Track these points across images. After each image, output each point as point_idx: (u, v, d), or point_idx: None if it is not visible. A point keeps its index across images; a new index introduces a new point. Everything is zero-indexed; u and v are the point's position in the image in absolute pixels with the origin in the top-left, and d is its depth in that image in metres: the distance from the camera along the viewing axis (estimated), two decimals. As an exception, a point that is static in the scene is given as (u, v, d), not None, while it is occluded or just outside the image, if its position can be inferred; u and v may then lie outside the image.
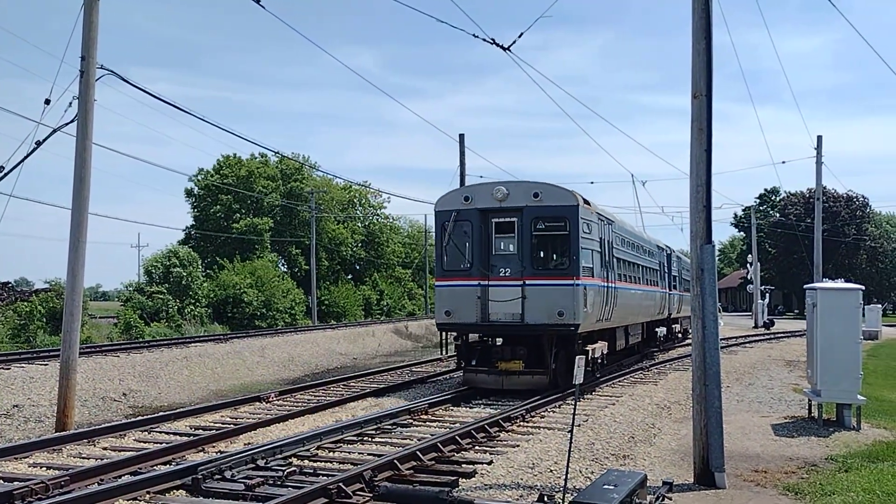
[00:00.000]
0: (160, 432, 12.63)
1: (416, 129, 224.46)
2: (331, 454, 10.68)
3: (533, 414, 13.90)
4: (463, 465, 9.98)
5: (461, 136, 34.76)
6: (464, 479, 9.23)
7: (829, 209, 67.97)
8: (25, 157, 14.84)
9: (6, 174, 14.78)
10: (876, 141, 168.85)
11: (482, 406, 15.31)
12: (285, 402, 16.04)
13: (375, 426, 12.43)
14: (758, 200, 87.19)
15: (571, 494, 7.77)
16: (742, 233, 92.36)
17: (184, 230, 62.12)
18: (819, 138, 38.96)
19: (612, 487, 7.16)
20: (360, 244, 71.57)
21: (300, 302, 53.87)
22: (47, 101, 14.70)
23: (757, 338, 37.73)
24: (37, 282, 75.46)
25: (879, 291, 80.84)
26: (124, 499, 8.22)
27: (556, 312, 15.73)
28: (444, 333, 17.86)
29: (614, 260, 19.23)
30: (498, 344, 17.17)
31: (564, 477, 8.38)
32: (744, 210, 76.88)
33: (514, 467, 9.75)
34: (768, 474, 9.97)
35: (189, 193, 62.58)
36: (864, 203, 79.40)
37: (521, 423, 13.03)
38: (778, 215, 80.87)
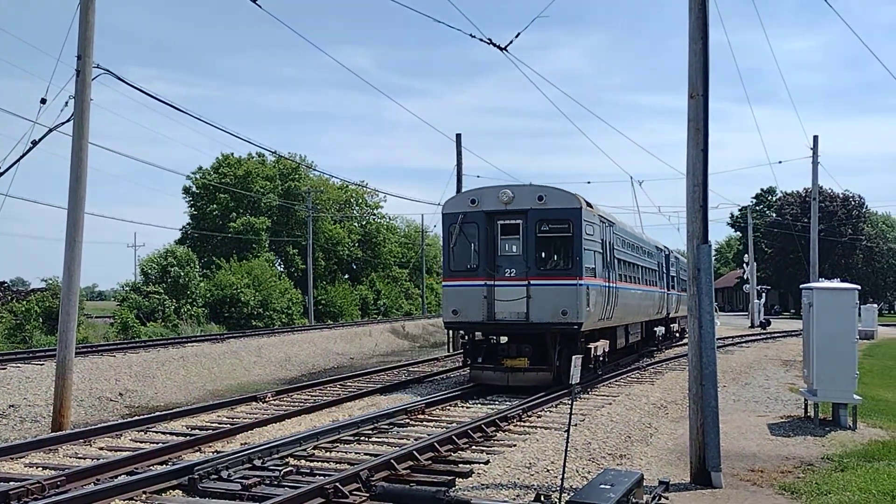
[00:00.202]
0: (156, 432, 12.61)
1: (413, 128, 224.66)
2: (327, 454, 10.68)
3: (530, 413, 13.90)
4: (460, 465, 9.97)
5: (458, 136, 34.78)
6: (461, 479, 9.23)
7: (825, 209, 68.14)
8: (21, 157, 14.82)
9: (2, 174, 14.75)
10: (872, 141, 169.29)
11: (479, 405, 15.33)
12: (282, 402, 16.02)
13: (372, 426, 12.43)
14: (754, 200, 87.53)
15: (568, 494, 7.78)
16: (738, 232, 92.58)
17: (180, 229, 62.16)
18: (815, 138, 39.07)
19: (608, 487, 7.16)
20: (356, 244, 71.54)
21: (297, 302, 53.83)
22: (43, 101, 14.67)
23: (753, 337, 37.79)
24: (33, 281, 75.44)
25: (875, 291, 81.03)
26: (120, 499, 8.21)
27: (560, 311, 16.24)
28: (451, 332, 18.07)
29: (615, 261, 19.75)
30: (503, 342, 17.71)
31: (561, 476, 8.38)
32: (740, 210, 77.08)
33: (511, 467, 9.76)
34: (765, 474, 9.99)
35: (187, 191, 62.53)
36: (861, 203, 79.61)
37: (518, 423, 13.03)
38: (774, 215, 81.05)
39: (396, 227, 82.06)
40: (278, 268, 61.27)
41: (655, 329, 27.96)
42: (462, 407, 15.19)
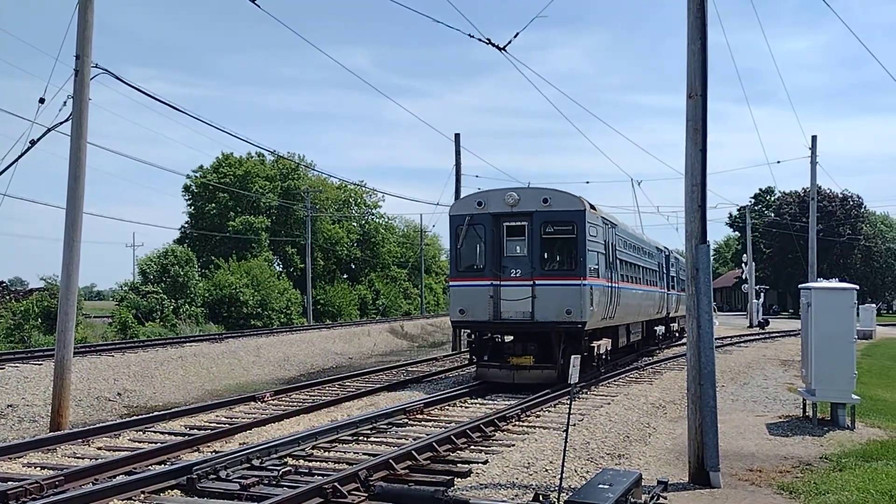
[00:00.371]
0: (155, 432, 12.60)
1: (412, 128, 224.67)
2: (326, 454, 10.67)
3: (528, 413, 13.90)
4: (458, 465, 9.97)
5: (457, 136, 34.77)
6: (459, 479, 9.23)
7: (823, 209, 68.16)
8: (20, 157, 14.80)
9: (1, 173, 14.73)
10: (871, 141, 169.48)
11: (478, 405, 15.34)
12: (280, 402, 16.02)
13: (371, 426, 12.43)
14: (753, 200, 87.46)
15: (567, 494, 7.78)
16: (737, 232, 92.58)
17: (179, 228, 62.10)
18: (814, 138, 39.08)
19: (607, 487, 7.16)
20: (355, 244, 71.51)
21: (296, 302, 53.80)
22: (42, 100, 14.66)
23: (752, 337, 37.80)
24: (32, 281, 75.31)
25: (874, 291, 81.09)
26: (119, 499, 8.20)
27: (565, 311, 16.70)
28: (457, 330, 18.36)
29: (617, 261, 20.23)
30: (509, 340, 18.19)
31: (560, 476, 8.38)
32: (739, 210, 77.03)
33: (510, 467, 9.76)
34: (763, 473, 9.99)
35: (187, 189, 62.46)
36: (859, 203, 79.62)
37: (517, 423, 13.03)
38: (773, 215, 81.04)
39: (395, 227, 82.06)
40: (277, 267, 61.24)
41: (656, 328, 28.38)
42: (461, 407, 15.19)
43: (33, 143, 14.77)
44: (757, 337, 38.24)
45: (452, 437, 11.09)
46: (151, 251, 47.44)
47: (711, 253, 10.61)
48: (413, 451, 9.99)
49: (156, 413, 14.32)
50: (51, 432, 13.21)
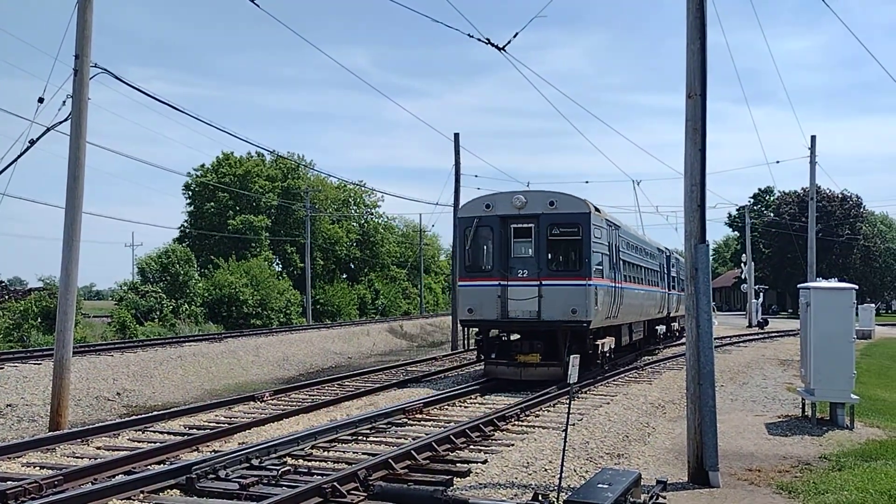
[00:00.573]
0: (154, 432, 12.59)
1: (412, 128, 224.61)
2: (325, 453, 10.67)
3: (528, 413, 13.90)
4: (458, 465, 9.97)
5: (456, 136, 34.77)
6: (458, 479, 9.23)
7: (823, 209, 68.16)
8: (19, 156, 14.80)
9: (0, 173, 14.73)
10: (871, 141, 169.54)
11: (478, 405, 15.34)
12: (280, 402, 16.01)
13: (370, 425, 12.42)
14: (752, 200, 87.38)
15: (566, 493, 7.79)
16: (736, 232, 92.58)
17: (179, 228, 62.06)
18: (813, 138, 39.11)
19: (606, 486, 7.16)
20: (354, 243, 71.49)
21: (296, 302, 53.79)
22: (41, 100, 14.66)
23: (751, 337, 37.81)
24: (31, 281, 75.30)
25: (873, 291, 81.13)
26: (118, 498, 8.20)
27: (570, 310, 17.19)
28: (466, 329, 19.27)
29: (620, 262, 20.76)
30: (516, 339, 18.80)
31: (559, 476, 8.39)
32: (738, 209, 77.03)
33: (509, 466, 9.76)
34: (762, 473, 10.00)
35: (187, 188, 62.43)
36: (858, 203, 79.64)
37: (516, 423, 13.03)
38: (772, 215, 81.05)
39: (395, 227, 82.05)
40: (277, 267, 61.23)
41: (657, 328, 28.87)
42: (460, 406, 15.19)
43: (32, 142, 14.77)
44: (756, 337, 38.25)
45: (452, 436, 11.09)
46: (151, 250, 47.46)
47: (711, 253, 10.60)
48: (412, 451, 9.99)
49: (155, 413, 14.30)
50: (50, 432, 13.21)
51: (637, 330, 24.74)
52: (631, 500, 7.43)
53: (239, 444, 11.22)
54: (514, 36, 14.68)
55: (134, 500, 8.31)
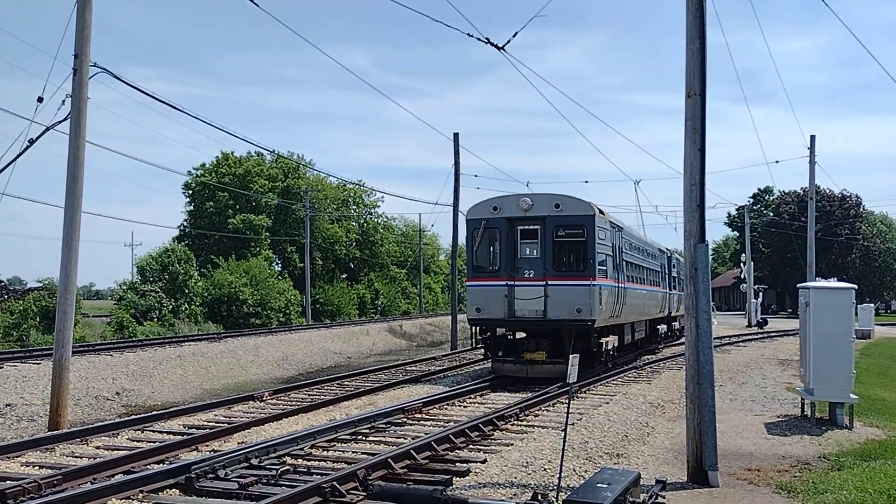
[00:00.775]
0: (153, 431, 12.59)
1: (412, 128, 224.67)
2: (325, 453, 10.66)
3: (527, 413, 13.90)
4: (457, 464, 9.97)
5: (456, 136, 34.78)
6: (458, 478, 9.23)
7: (822, 209, 68.15)
8: (18, 156, 14.80)
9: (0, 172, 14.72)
10: (870, 141, 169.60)
11: (477, 405, 15.34)
12: (279, 401, 16.01)
13: (369, 425, 12.42)
14: (751, 200, 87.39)
15: (565, 493, 7.78)
16: (736, 232, 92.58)
17: (178, 227, 62.03)
18: (812, 138, 39.14)
19: (605, 486, 7.16)
20: (354, 243, 71.47)
21: (296, 301, 53.78)
22: (40, 99, 14.65)
23: (750, 337, 37.81)
24: (30, 281, 75.30)
25: (872, 290, 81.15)
26: (117, 498, 8.19)
27: (575, 309, 17.69)
28: (474, 328, 19.55)
29: (624, 263, 21.25)
30: (522, 337, 19.22)
31: (558, 475, 8.39)
32: (737, 209, 77.04)
33: (509, 466, 9.75)
34: (761, 473, 10.00)
35: (188, 186, 62.40)
36: (858, 202, 79.65)
37: (516, 423, 13.03)
38: (771, 214, 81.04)
39: (394, 227, 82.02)
40: (276, 267, 61.22)
41: (659, 327, 29.37)
42: (460, 406, 15.19)
43: (32, 142, 14.77)
44: (755, 336, 38.25)
45: (451, 436, 11.09)
46: (151, 249, 47.43)
47: (710, 252, 10.60)
48: (412, 451, 9.98)
49: (154, 412, 14.31)
50: (49, 431, 13.21)
51: (639, 329, 25.23)
52: (630, 499, 7.43)
53: (238, 443, 11.22)
54: (514, 35, 14.70)
55: (133, 499, 8.31)
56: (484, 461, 10.04)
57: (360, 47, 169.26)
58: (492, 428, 12.24)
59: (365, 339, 43.76)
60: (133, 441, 11.84)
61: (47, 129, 14.89)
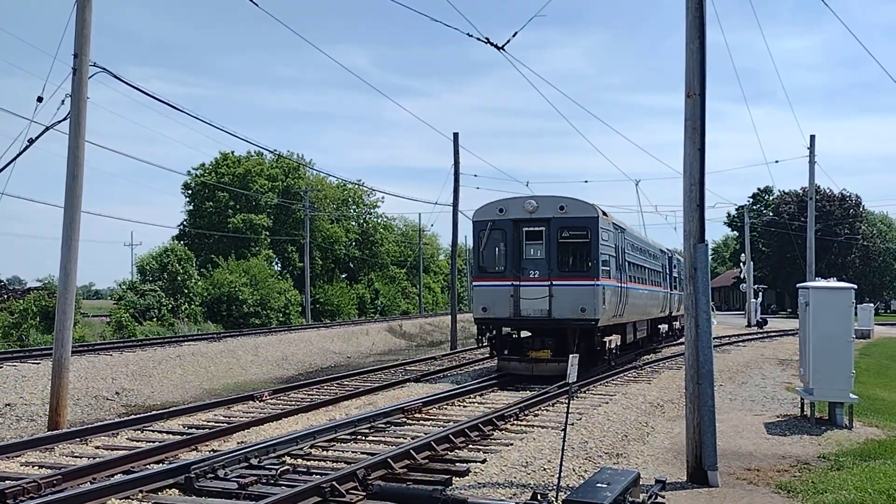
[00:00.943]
0: (153, 431, 12.59)
1: (411, 128, 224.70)
2: (324, 453, 10.66)
3: (527, 413, 13.90)
4: (457, 464, 9.96)
5: (455, 136, 34.77)
6: (457, 478, 9.23)
7: (822, 208, 68.18)
8: (18, 155, 14.79)
9: (-1, 172, 14.71)
10: (869, 141, 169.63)
11: (477, 405, 15.34)
12: (279, 401, 16.01)
13: (369, 425, 12.42)
14: (751, 199, 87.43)
15: (565, 493, 7.78)
16: (735, 232, 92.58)
17: (178, 226, 62.00)
18: (812, 138, 39.14)
19: (605, 486, 7.16)
20: (354, 243, 71.46)
21: (295, 301, 53.77)
22: (40, 99, 14.64)
23: (750, 336, 37.80)
24: (29, 280, 75.29)
25: (872, 290, 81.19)
26: (117, 498, 8.19)
27: (580, 309, 18.10)
28: (481, 326, 19.89)
29: (626, 263, 21.73)
30: (527, 336, 19.70)
31: (558, 475, 8.39)
32: (737, 209, 77.04)
33: (508, 466, 9.75)
34: (761, 472, 10.00)
35: (187, 187, 62.38)
36: (857, 202, 79.68)
37: (515, 422, 13.03)
38: (771, 214, 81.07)
39: (394, 227, 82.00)
40: (276, 266, 61.19)
41: (660, 326, 29.83)
42: (459, 406, 15.19)
43: (31, 141, 14.76)
44: (755, 336, 38.24)
45: (451, 436, 11.09)
46: (151, 249, 47.41)
47: (710, 252, 10.60)
48: (411, 451, 9.98)
49: (154, 412, 14.30)
50: (49, 431, 13.20)
51: (641, 328, 25.67)
52: (630, 499, 7.43)
53: (238, 443, 11.22)
54: (514, 35, 14.69)
55: (133, 499, 8.30)
56: (483, 461, 10.03)
57: (359, 47, 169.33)
58: (491, 428, 12.24)
59: (364, 338, 43.75)
60: (132, 441, 11.84)
61: (47, 128, 14.88)
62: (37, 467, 9.87)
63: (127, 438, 12.01)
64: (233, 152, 63.78)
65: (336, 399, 15.84)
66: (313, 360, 33.77)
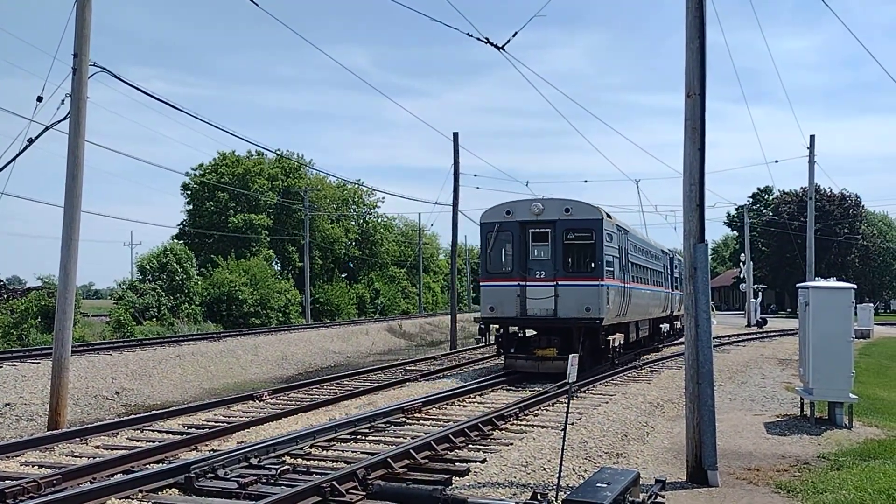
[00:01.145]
0: (153, 431, 12.59)
1: (411, 128, 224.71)
2: (324, 452, 10.66)
3: (527, 412, 13.90)
4: (457, 464, 9.96)
5: (455, 135, 34.78)
6: (457, 478, 9.23)
7: (821, 208, 68.17)
8: (18, 155, 14.79)
9: (-2, 172, 14.71)
10: (869, 141, 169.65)
11: (476, 404, 15.34)
12: (278, 401, 16.00)
13: (369, 424, 12.42)
14: (751, 199, 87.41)
15: (565, 492, 7.78)
16: (735, 232, 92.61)
17: (178, 226, 61.97)
18: (812, 137, 39.15)
19: (605, 485, 7.16)
20: (354, 243, 71.45)
21: (295, 301, 53.75)
22: (40, 99, 14.64)
23: (750, 336, 37.79)
24: (29, 280, 75.20)
25: (871, 290, 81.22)
26: (117, 497, 8.19)
27: (584, 308, 18.56)
28: (488, 325, 20.40)
29: (629, 264, 22.29)
30: (533, 334, 20.26)
31: (558, 475, 8.39)
32: (737, 209, 77.04)
33: (508, 465, 9.75)
34: (761, 472, 10.00)
35: (186, 187, 62.34)
36: (857, 202, 79.68)
37: (515, 422, 13.02)
38: (771, 214, 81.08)
39: (393, 227, 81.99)
40: (276, 266, 61.16)
41: (661, 326, 30.21)
42: (459, 405, 15.19)
43: (31, 141, 14.77)
44: (755, 336, 38.23)
45: (450, 435, 11.08)
46: (151, 248, 47.39)
47: (710, 252, 10.60)
48: (411, 450, 9.98)
49: (154, 412, 14.30)
50: (48, 431, 13.20)
51: (643, 328, 26.18)
52: (630, 499, 7.43)
53: (238, 443, 11.22)
54: (514, 35, 14.69)
55: (132, 499, 8.30)
56: (483, 461, 10.03)
57: (359, 47, 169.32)
58: (491, 427, 12.23)
59: (364, 338, 43.76)
60: (132, 440, 11.84)
61: (47, 128, 14.88)
62: (37, 467, 9.87)
63: (127, 438, 12.01)
64: (233, 152, 63.82)
65: (336, 399, 15.84)
66: (313, 360, 33.77)
